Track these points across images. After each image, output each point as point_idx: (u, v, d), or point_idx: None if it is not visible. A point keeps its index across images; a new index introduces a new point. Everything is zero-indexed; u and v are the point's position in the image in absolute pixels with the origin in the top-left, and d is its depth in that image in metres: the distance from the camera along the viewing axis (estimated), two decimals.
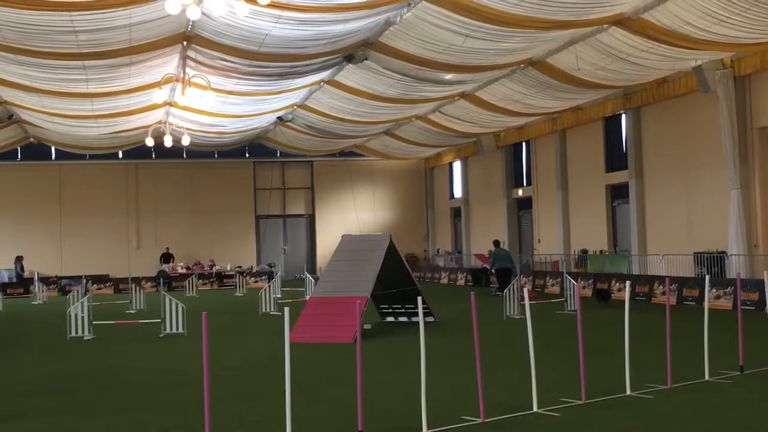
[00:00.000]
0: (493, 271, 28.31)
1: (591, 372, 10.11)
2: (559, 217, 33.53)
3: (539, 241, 35.71)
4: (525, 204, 37.72)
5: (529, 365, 9.21)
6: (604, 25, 20.04)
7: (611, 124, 30.95)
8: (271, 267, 40.90)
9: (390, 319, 19.92)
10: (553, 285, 28.81)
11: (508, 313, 19.81)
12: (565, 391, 9.83)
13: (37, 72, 22.73)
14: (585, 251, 31.11)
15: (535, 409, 8.96)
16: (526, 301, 9.51)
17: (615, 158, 30.68)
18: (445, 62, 22.59)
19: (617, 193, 30.75)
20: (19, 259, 38.47)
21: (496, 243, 29.05)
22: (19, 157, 41.19)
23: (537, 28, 19.56)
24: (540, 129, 34.08)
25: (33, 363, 14.73)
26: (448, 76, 24.85)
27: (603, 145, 31.36)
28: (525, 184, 37.66)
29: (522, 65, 24.11)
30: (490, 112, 30.26)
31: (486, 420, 8.54)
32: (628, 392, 9.75)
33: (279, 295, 26.43)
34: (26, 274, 38.00)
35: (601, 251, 30.55)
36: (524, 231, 38.12)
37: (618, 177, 30.17)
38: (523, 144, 37.34)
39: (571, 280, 21.21)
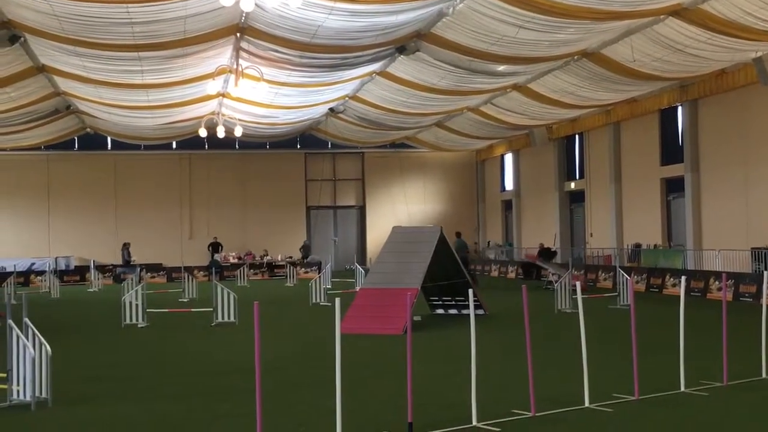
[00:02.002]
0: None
1: (644, 368, 9.96)
2: (612, 210, 33.10)
3: (591, 235, 35.31)
4: (577, 197, 37.30)
5: (581, 360, 9.10)
6: (661, 16, 19.67)
7: (667, 117, 30.42)
8: (307, 245, 41.65)
9: (440, 311, 19.88)
10: (605, 279, 28.50)
11: (559, 307, 19.63)
12: (618, 386, 9.70)
13: (94, 63, 23.13)
14: (638, 245, 30.68)
15: (586, 404, 8.85)
16: (579, 295, 9.39)
17: (670, 151, 30.15)
18: (497, 54, 22.40)
19: (672, 187, 30.23)
20: (126, 246, 39.14)
21: (458, 234, 31.30)
22: (76, 146, 41.98)
23: (592, 19, 19.29)
24: (594, 121, 33.64)
25: (89, 350, 15.01)
26: (501, 68, 24.65)
27: (658, 138, 30.83)
28: (577, 177, 37.23)
29: (576, 57, 23.81)
30: (542, 104, 29.97)
31: (536, 414, 8.46)
32: (683, 389, 9.59)
33: (329, 286, 26.55)
34: (133, 261, 38.68)
35: (655, 245, 30.10)
36: (576, 224, 37.71)
37: (673, 170, 29.66)
38: (576, 136, 36.90)
39: (624, 274, 20.93)
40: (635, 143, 32.07)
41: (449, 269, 18.65)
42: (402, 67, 25.63)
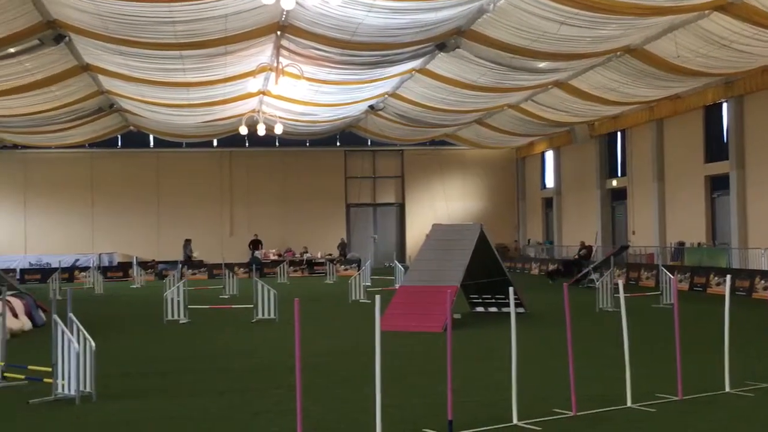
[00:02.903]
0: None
1: (688, 368, 9.80)
2: (655, 208, 32.69)
3: (634, 233, 34.92)
4: (619, 195, 36.91)
5: (623, 359, 8.99)
6: (706, 11, 19.37)
7: (711, 113, 29.95)
8: (344, 243, 42.21)
9: (479, 309, 19.80)
10: (647, 278, 28.16)
11: (601, 306, 19.43)
12: (661, 386, 9.57)
13: (137, 62, 23.39)
14: (682, 244, 30.27)
15: (629, 403, 8.75)
16: (621, 294, 9.28)
17: (715, 148, 29.69)
18: (538, 50, 22.23)
19: (717, 185, 29.77)
20: (188, 242, 39.67)
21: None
22: (119, 144, 42.57)
23: (635, 15, 19.06)
24: (636, 118, 33.25)
25: (132, 345, 15.19)
26: (542, 65, 24.46)
27: (702, 135, 30.36)
28: (619, 175, 36.84)
29: (618, 53, 23.54)
30: (584, 100, 29.70)
31: (578, 413, 8.38)
32: (727, 389, 9.43)
33: (368, 284, 26.57)
34: (195, 257, 39.10)
35: (698, 244, 29.68)
36: (618, 222, 37.32)
37: (718, 168, 29.20)
38: (618, 133, 36.52)
39: (668, 273, 20.68)
40: (679, 140, 31.64)
41: (489, 267, 18.57)
42: (442, 64, 25.55)
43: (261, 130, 30.76)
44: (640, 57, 23.59)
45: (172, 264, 35.16)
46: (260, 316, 18.45)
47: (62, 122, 32.43)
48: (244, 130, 31.38)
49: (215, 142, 42.57)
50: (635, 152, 34.96)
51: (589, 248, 32.80)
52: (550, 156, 43.48)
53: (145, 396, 10.03)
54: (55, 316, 9.66)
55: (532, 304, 19.66)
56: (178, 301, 18.72)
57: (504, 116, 34.99)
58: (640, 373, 9.82)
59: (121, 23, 19.44)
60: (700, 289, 25.26)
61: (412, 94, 30.50)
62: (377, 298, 7.45)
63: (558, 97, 30.04)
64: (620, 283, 9.98)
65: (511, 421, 8.03)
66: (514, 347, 8.25)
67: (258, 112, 31.61)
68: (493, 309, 19.60)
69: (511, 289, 9.13)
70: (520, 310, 18.31)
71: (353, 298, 23.21)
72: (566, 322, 8.76)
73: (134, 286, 32.85)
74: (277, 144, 42.46)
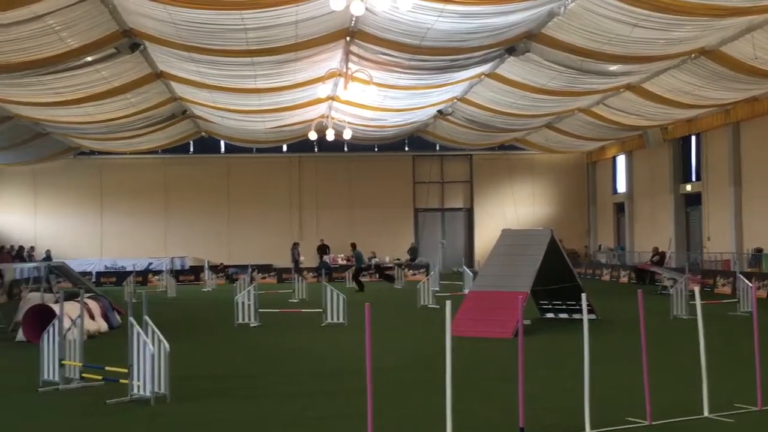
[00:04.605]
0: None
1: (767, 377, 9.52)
2: (732, 213, 31.85)
3: (709, 239, 34.09)
4: (693, 200, 36.09)
5: (699, 367, 8.77)
6: None
7: None
8: (414, 248, 41.74)
9: (550, 315, 19.56)
10: (723, 285, 27.44)
11: (675, 313, 19.01)
12: (739, 396, 9.30)
13: (209, 69, 23.81)
14: (759, 250, 29.43)
15: (705, 413, 8.52)
16: (697, 301, 9.05)
17: None
18: (610, 53, 21.92)
19: None
20: (296, 246, 40.42)
21: (353, 246, 33.93)
22: (191, 150, 43.37)
23: (710, 16, 18.64)
24: (711, 121, 32.46)
25: (204, 347, 15.42)
26: (614, 68, 24.09)
27: None
28: (694, 179, 36.03)
29: (693, 55, 23.04)
30: (657, 104, 29.14)
31: (653, 423, 8.20)
32: None
33: (437, 289, 26.50)
34: (302, 261, 39.68)
35: None
36: (692, 228, 36.48)
37: None
38: (693, 137, 35.71)
39: (745, 280, 20.11)
40: (757, 144, 30.78)
41: (560, 273, 18.33)
42: (511, 68, 25.38)
43: (330, 136, 30.99)
44: (715, 59, 23.06)
45: (242, 268, 35.68)
46: (329, 320, 18.54)
47: (137, 128, 33.20)
48: (313, 136, 31.65)
49: (285, 148, 43.02)
50: (710, 156, 34.14)
51: (663, 254, 32.14)
52: (621, 160, 42.79)
53: (218, 397, 10.17)
54: (131, 319, 9.87)
55: (603, 311, 19.35)
56: (249, 305, 18.94)
57: (574, 120, 34.56)
58: (717, 382, 9.56)
59: (193, 31, 19.82)
60: None
61: (481, 99, 30.36)
62: (448, 303, 7.41)
63: (630, 101, 29.55)
64: (696, 290, 9.74)
65: (584, 430, 7.91)
66: (587, 354, 8.12)
67: (327, 117, 31.87)
68: (564, 315, 19.34)
69: (583, 295, 8.99)
70: (592, 316, 18.04)
71: (422, 303, 23.15)
72: (640, 329, 8.58)
73: (205, 290, 33.38)
74: (345, 149, 42.72)
